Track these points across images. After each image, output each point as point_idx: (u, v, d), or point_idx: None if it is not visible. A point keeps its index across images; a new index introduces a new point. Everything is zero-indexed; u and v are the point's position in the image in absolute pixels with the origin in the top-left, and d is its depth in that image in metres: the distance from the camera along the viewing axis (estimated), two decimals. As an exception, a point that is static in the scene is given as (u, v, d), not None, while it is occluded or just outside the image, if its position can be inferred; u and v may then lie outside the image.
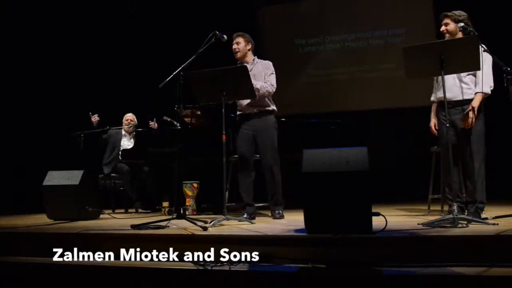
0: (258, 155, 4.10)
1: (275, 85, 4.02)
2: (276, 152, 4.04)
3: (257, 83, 3.88)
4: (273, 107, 4.08)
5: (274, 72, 4.07)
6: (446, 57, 3.08)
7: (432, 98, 3.67)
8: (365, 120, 6.53)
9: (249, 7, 7.30)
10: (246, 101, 4.01)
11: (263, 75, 4.04)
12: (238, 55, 4.05)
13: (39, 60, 6.56)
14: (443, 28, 3.50)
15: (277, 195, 4.03)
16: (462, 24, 3.41)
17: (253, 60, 4.12)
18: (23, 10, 6.46)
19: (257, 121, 4.01)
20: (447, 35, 3.48)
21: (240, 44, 4.05)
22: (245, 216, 3.83)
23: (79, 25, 6.82)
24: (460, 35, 3.44)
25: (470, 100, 3.40)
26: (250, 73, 3.81)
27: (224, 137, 3.53)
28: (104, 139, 5.48)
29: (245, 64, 3.93)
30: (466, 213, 3.36)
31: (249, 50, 4.10)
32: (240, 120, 4.11)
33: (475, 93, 3.40)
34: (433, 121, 3.64)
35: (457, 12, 3.48)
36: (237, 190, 4.08)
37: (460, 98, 3.43)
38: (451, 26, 3.46)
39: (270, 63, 4.10)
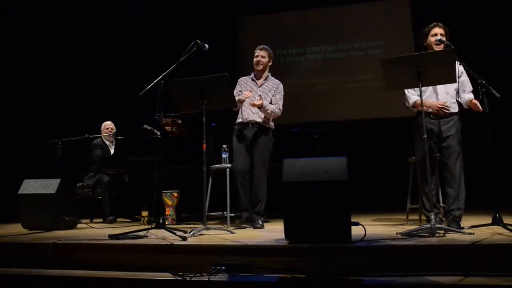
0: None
1: (281, 109, 4.17)
2: (267, 167, 4.12)
3: (271, 107, 4.07)
4: (272, 124, 4.22)
5: (282, 95, 4.22)
6: (423, 70, 3.15)
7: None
8: (345, 130, 6.60)
9: (230, 17, 7.34)
10: (253, 110, 4.09)
11: (271, 94, 4.18)
12: (260, 67, 4.21)
13: (15, 66, 6.44)
14: (444, 38, 3.48)
15: (261, 206, 4.08)
16: (439, 37, 3.49)
17: (268, 76, 4.28)
18: None
19: (256, 133, 4.11)
20: (442, 45, 3.46)
21: (265, 59, 4.21)
22: (242, 220, 4.04)
23: (57, 32, 6.74)
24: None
25: (455, 114, 3.47)
26: (261, 87, 4.15)
27: (204, 146, 3.53)
28: (97, 150, 5.36)
29: (259, 77, 4.24)
30: (445, 221, 3.41)
31: (269, 65, 4.27)
32: (238, 129, 4.17)
33: (472, 100, 3.40)
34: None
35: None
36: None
37: (448, 111, 3.46)
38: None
39: (282, 85, 4.26)
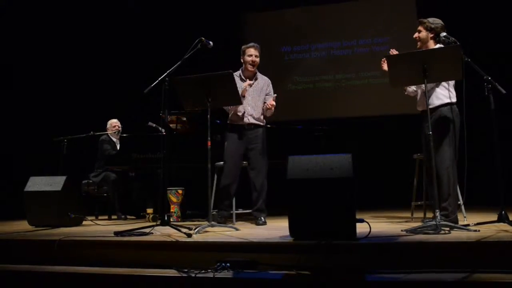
0: (245, 162, 4.18)
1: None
2: (266, 162, 4.11)
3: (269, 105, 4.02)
4: (264, 121, 4.20)
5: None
6: (428, 66, 3.13)
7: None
8: (350, 127, 6.59)
9: (235, 14, 7.33)
10: (241, 113, 4.05)
11: (264, 93, 4.16)
12: (255, 68, 4.13)
13: (21, 63, 6.47)
14: (416, 34, 3.56)
15: (262, 203, 4.09)
16: (444, 33, 3.46)
17: (256, 73, 4.20)
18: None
19: (249, 132, 4.10)
20: (418, 42, 3.54)
21: (258, 58, 4.12)
22: (219, 218, 3.99)
23: (63, 29, 6.76)
24: (431, 43, 3.50)
25: (433, 109, 3.44)
26: (253, 87, 4.07)
27: (209, 143, 3.53)
28: (106, 146, 5.39)
29: (251, 76, 4.14)
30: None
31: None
32: (231, 130, 4.15)
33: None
34: None
35: (431, 20, 3.51)
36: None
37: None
38: (423, 33, 3.53)
39: (270, 82, 4.22)
